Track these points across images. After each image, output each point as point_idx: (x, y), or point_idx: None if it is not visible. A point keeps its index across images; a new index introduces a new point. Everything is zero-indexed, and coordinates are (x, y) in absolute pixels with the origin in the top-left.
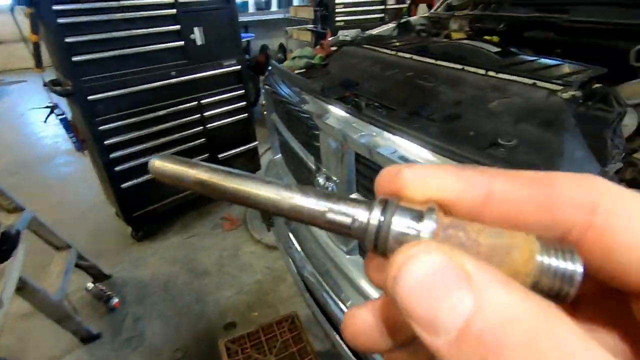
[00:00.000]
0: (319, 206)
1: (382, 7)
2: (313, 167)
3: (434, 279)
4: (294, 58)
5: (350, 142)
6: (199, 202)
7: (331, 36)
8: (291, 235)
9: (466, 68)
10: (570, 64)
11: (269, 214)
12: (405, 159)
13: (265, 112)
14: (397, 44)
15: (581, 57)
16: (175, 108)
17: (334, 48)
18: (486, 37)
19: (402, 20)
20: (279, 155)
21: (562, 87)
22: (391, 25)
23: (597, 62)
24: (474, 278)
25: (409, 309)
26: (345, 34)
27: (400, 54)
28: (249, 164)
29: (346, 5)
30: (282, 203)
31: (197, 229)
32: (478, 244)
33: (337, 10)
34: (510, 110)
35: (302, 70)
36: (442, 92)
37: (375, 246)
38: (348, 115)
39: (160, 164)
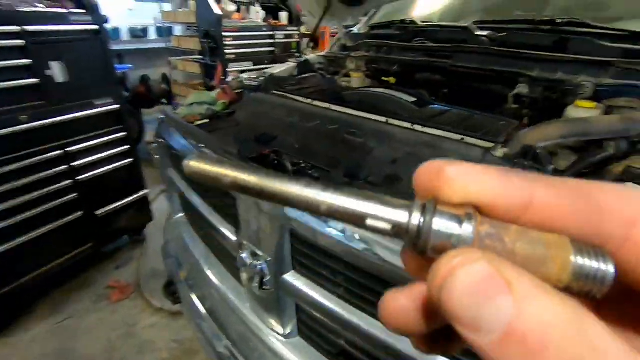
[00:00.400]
0: (358, 210)
1: (272, 40)
2: (233, 239)
3: (478, 287)
4: (191, 104)
5: (285, 220)
6: (73, 270)
7: (223, 69)
8: (197, 301)
9: (390, 121)
10: (483, 115)
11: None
12: (355, 239)
13: (158, 164)
14: (309, 89)
15: (466, 97)
16: (31, 160)
17: (238, 90)
18: (384, 79)
19: (302, 60)
20: (181, 214)
21: (492, 145)
22: (291, 64)
23: (480, 102)
24: (514, 285)
25: (454, 314)
26: (250, 78)
27: (316, 102)
28: (138, 216)
29: (235, 38)
30: (321, 205)
31: (73, 307)
32: (514, 255)
33: (225, 42)
34: None
35: (205, 121)
36: (373, 148)
37: (415, 246)
38: None
39: (196, 164)
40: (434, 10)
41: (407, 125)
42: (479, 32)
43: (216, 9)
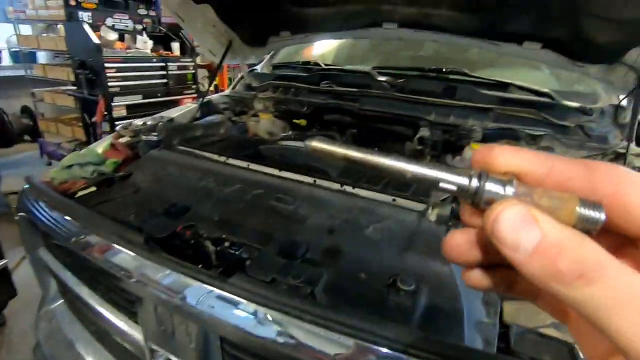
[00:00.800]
0: (432, 175)
1: (164, 72)
2: (142, 344)
3: (517, 220)
4: (70, 166)
5: (212, 326)
6: None
7: (105, 103)
8: None
9: (318, 182)
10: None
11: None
12: (297, 346)
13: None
14: (221, 143)
15: (373, 137)
16: None
17: (131, 141)
18: (295, 121)
19: (204, 100)
20: (59, 303)
21: (424, 207)
22: (192, 106)
23: (386, 141)
24: (540, 220)
25: (501, 238)
26: (146, 126)
27: (232, 160)
28: None
29: (119, 69)
30: (406, 172)
31: None
32: (540, 206)
33: (108, 74)
34: (390, 238)
35: (92, 189)
36: (306, 217)
37: (472, 201)
38: (190, 270)
39: (317, 144)
40: (334, 53)
41: (337, 186)
42: (380, 78)
43: (94, 38)
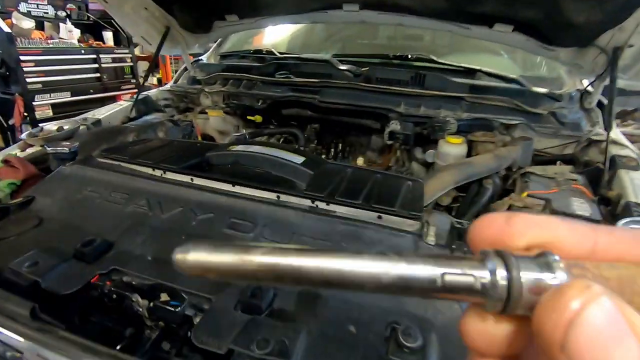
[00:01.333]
0: (433, 271)
1: (96, 65)
2: None
3: (610, 327)
4: None
5: None
6: None
7: (24, 102)
8: None
9: (283, 198)
10: (383, 174)
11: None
12: None
13: None
14: (158, 150)
15: (337, 133)
16: None
17: (36, 155)
18: (249, 117)
19: (140, 97)
20: None
21: (414, 223)
22: (125, 104)
23: (351, 135)
24: (637, 325)
25: (585, 355)
26: (60, 132)
27: (171, 174)
28: None
29: (39, 63)
30: (385, 276)
31: None
32: (606, 279)
33: (26, 68)
34: None
35: None
36: None
37: (507, 304)
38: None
39: (197, 255)
40: (288, 40)
41: (307, 203)
42: (341, 67)
43: (4, 26)
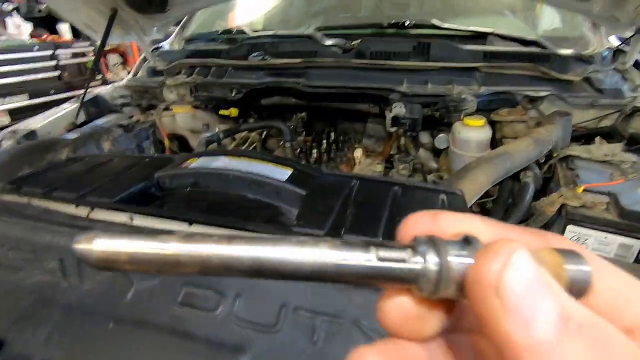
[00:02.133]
0: (366, 257)
1: (55, 62)
2: None
3: (533, 278)
4: None
5: None
6: None
7: None
8: None
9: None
10: (411, 187)
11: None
12: None
13: None
14: (86, 175)
15: (326, 118)
16: None
17: None
18: (223, 112)
19: (90, 97)
20: None
21: None
22: (70, 107)
23: (343, 122)
24: (553, 283)
25: (510, 307)
26: None
27: (99, 213)
28: None
29: None
30: (327, 265)
31: None
32: None
33: None
34: None
35: None
36: (244, 348)
37: (437, 285)
38: None
39: (105, 243)
40: (262, 15)
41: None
42: (328, 42)
43: None
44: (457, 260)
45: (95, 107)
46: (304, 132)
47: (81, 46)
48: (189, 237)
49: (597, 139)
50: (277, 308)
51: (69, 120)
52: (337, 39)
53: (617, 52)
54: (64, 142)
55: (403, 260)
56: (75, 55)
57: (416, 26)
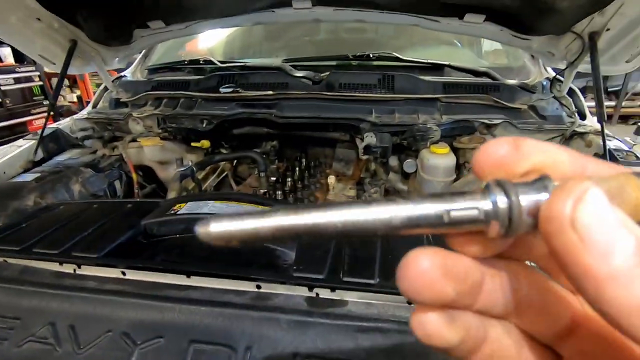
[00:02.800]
0: (438, 209)
1: None
2: None
3: (607, 214)
4: None
5: None
6: None
7: None
8: None
9: (265, 289)
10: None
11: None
12: None
13: None
14: (63, 227)
15: (297, 145)
16: None
17: None
18: (194, 144)
19: (49, 132)
20: None
21: None
22: (26, 144)
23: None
24: (627, 220)
25: (589, 238)
26: None
27: (87, 269)
28: None
29: None
30: (395, 219)
31: None
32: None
33: None
34: None
35: None
36: None
37: (509, 227)
38: None
39: (219, 226)
40: (224, 43)
41: (301, 292)
42: (297, 74)
43: None
44: (530, 197)
45: (54, 143)
46: (277, 160)
47: (25, 71)
48: (284, 213)
49: None
50: (289, 358)
51: (26, 158)
52: (305, 70)
53: (554, 81)
54: (29, 187)
55: (474, 209)
56: (18, 80)
57: (379, 58)
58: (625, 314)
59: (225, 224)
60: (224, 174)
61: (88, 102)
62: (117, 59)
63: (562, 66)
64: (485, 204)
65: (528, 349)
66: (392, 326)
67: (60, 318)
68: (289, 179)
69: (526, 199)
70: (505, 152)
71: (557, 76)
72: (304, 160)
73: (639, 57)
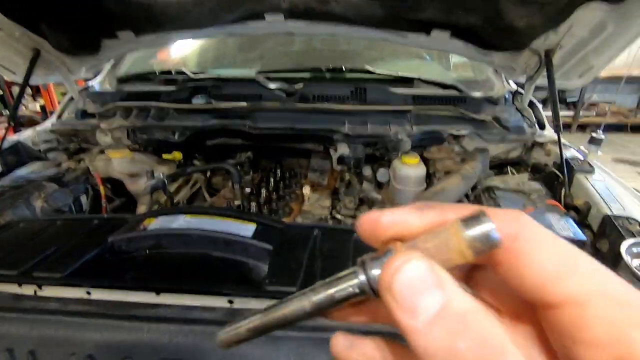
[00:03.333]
0: (327, 294)
1: None
2: None
3: (418, 278)
4: None
5: None
6: None
7: None
8: None
9: (237, 304)
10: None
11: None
12: None
13: None
14: (24, 245)
15: (271, 156)
16: None
17: None
18: (166, 156)
19: (9, 145)
20: None
21: None
22: None
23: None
24: (444, 281)
25: (398, 299)
26: None
27: (49, 290)
28: None
29: None
30: (306, 308)
31: None
32: (427, 249)
33: None
34: None
35: None
36: None
37: (373, 292)
38: None
39: (224, 336)
40: (197, 54)
41: None
42: (272, 85)
43: None
44: (377, 271)
45: (15, 155)
46: (251, 171)
47: None
48: (257, 319)
49: (508, 168)
50: None
51: None
52: (279, 82)
53: (515, 94)
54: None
55: (349, 288)
56: None
57: (351, 70)
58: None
59: (228, 333)
60: (197, 186)
61: (52, 113)
62: (84, 68)
63: (522, 80)
64: (354, 282)
65: None
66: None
67: (19, 343)
68: (263, 190)
69: (375, 273)
70: (370, 228)
71: (519, 89)
72: (279, 171)
73: (590, 74)
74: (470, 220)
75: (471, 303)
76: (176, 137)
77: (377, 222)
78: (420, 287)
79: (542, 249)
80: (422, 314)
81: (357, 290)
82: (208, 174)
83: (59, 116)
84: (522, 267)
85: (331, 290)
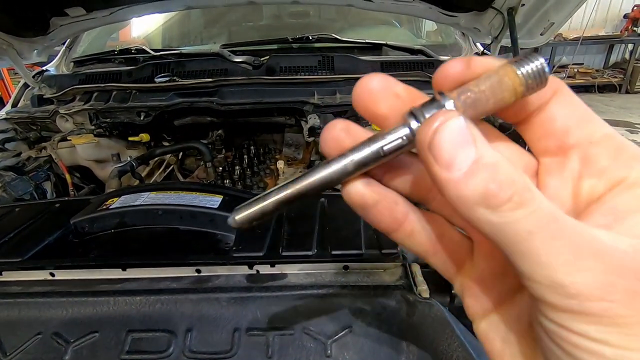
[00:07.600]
0: (374, 148)
1: None
2: None
3: (456, 136)
4: None
5: None
6: None
7: None
8: None
9: (205, 272)
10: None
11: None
12: None
13: None
14: None
15: (243, 133)
16: None
17: None
18: (132, 138)
19: None
20: None
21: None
22: None
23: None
24: (477, 140)
25: (438, 154)
26: None
27: (10, 275)
28: None
29: None
30: (349, 167)
31: None
32: (482, 91)
33: None
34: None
35: None
36: None
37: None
38: None
39: (241, 216)
40: (161, 32)
41: (242, 270)
42: (237, 59)
43: None
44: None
45: None
46: (224, 149)
47: None
48: (277, 191)
49: None
50: (229, 334)
51: None
52: (245, 55)
53: (482, 55)
54: None
55: (399, 139)
56: None
57: (319, 40)
58: (467, 207)
59: (243, 213)
60: (170, 168)
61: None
62: (35, 51)
63: (488, 41)
64: (404, 132)
65: (446, 233)
66: (328, 291)
67: None
68: (237, 168)
69: (431, 115)
70: (460, 70)
71: (485, 51)
72: (252, 147)
73: (551, 30)
74: (523, 60)
75: (499, 156)
76: (142, 118)
77: (469, 64)
78: (457, 143)
79: (575, 98)
80: (458, 165)
81: (406, 141)
82: (180, 155)
83: (15, 104)
84: (558, 109)
85: (377, 145)
